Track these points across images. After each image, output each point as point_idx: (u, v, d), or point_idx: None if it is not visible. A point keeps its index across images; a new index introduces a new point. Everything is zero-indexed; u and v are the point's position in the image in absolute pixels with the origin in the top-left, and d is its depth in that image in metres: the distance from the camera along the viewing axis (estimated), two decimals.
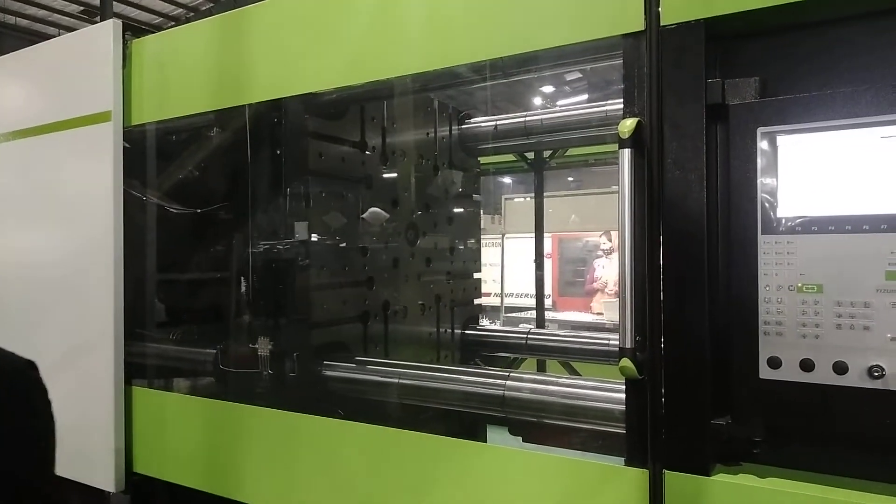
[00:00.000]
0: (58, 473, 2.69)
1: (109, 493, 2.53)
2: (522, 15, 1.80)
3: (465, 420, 2.40)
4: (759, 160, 1.45)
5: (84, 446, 2.60)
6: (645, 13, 1.58)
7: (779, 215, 1.42)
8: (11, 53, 3.14)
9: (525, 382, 2.13)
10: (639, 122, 1.58)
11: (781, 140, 1.43)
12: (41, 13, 11.82)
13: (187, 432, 2.47)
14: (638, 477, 1.54)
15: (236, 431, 2.35)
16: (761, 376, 1.42)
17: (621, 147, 1.56)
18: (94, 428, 2.56)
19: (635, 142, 1.56)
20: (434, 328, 3.19)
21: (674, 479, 1.49)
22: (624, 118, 1.60)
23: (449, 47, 1.94)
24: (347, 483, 2.07)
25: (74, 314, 2.67)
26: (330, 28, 2.18)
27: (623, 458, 1.60)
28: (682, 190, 1.53)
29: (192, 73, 2.53)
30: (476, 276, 3.60)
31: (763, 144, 1.45)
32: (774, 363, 1.41)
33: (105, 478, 2.52)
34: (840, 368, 1.34)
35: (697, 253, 1.52)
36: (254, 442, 2.30)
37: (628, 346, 1.52)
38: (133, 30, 2.74)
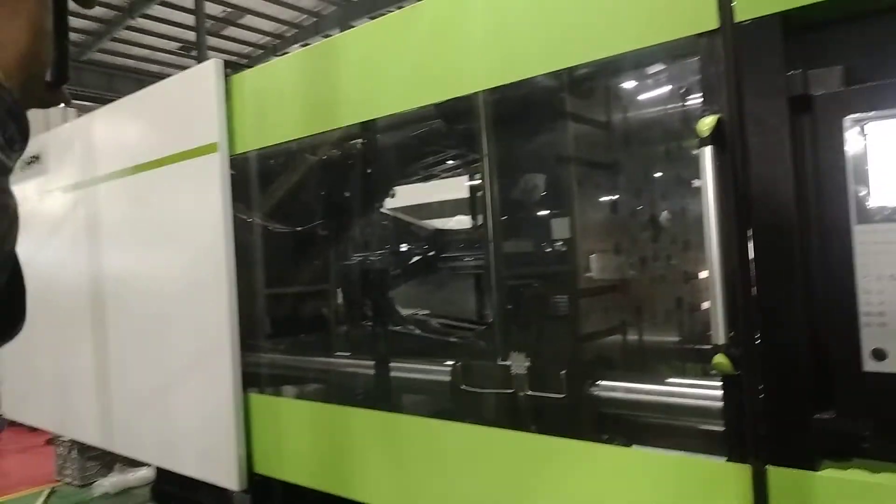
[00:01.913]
0: (188, 474, 2.99)
1: (233, 491, 2.77)
2: (594, 22, 1.85)
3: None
4: (848, 149, 1.43)
5: (210, 448, 2.86)
6: (719, 11, 1.59)
7: (873, 204, 1.40)
8: (128, 97, 3.50)
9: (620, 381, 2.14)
10: (719, 119, 1.59)
11: (871, 127, 1.40)
12: (144, 52, 12.80)
13: (302, 434, 2.65)
14: (740, 473, 1.54)
15: (348, 433, 2.49)
16: (865, 369, 1.39)
17: (702, 145, 1.58)
18: (218, 431, 2.80)
19: (716, 139, 1.57)
20: (679, 337, 2.51)
21: (778, 475, 1.48)
22: (703, 116, 1.61)
23: (521, 59, 2.01)
24: (457, 483, 2.16)
25: (195, 328, 2.94)
26: (411, 51, 2.31)
27: (724, 456, 1.60)
28: (769, 183, 1.53)
29: (289, 102, 2.73)
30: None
31: (852, 133, 1.42)
32: (879, 355, 1.38)
33: (229, 477, 2.76)
34: None
35: (789, 246, 1.51)
36: (365, 442, 2.43)
37: (721, 341, 1.53)
38: (231, 65, 2.99)
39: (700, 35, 1.64)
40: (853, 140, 1.42)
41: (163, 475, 3.72)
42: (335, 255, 3.32)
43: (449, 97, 2.22)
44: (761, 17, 1.53)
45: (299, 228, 3.35)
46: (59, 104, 0.70)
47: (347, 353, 2.95)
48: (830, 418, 1.45)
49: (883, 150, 1.39)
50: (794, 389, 1.48)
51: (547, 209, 2.33)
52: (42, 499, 5.18)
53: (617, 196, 2.50)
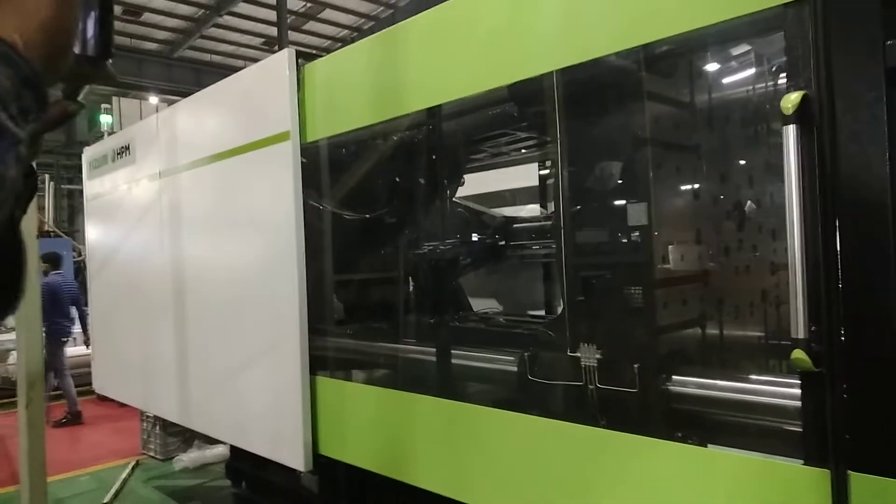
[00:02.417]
0: (258, 453, 3.09)
1: (300, 472, 2.84)
2: None
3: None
4: None
5: (278, 429, 2.95)
6: None
7: None
8: (204, 89, 3.64)
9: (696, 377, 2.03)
10: (805, 96, 1.46)
11: None
12: (230, 48, 13.39)
13: (366, 419, 2.69)
14: (818, 478, 1.43)
15: (410, 419, 2.50)
16: None
17: (785, 124, 1.46)
18: (286, 413, 2.89)
19: (801, 117, 1.45)
20: (762, 332, 2.35)
21: (862, 482, 1.36)
22: (788, 93, 1.50)
23: (594, 36, 1.93)
24: (516, 475, 2.13)
25: (267, 313, 3.04)
26: (479, 33, 2.27)
27: (801, 459, 1.49)
28: (861, 165, 1.40)
29: (358, 89, 2.75)
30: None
31: None
32: None
33: (295, 458, 2.84)
34: None
35: (882, 233, 1.38)
36: (427, 430, 2.43)
37: (801, 336, 1.42)
38: (305, 56, 3.05)
39: (787, 5, 1.51)
40: None
41: (236, 453, 3.88)
42: (404, 243, 3.34)
43: (519, 78, 2.17)
44: None
45: (368, 216, 3.39)
46: (103, 81, 0.71)
47: (413, 341, 2.96)
48: None
49: None
50: (881, 390, 1.36)
51: (622, 196, 2.24)
52: (128, 470, 5.54)
53: (698, 183, 2.37)
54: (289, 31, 11.24)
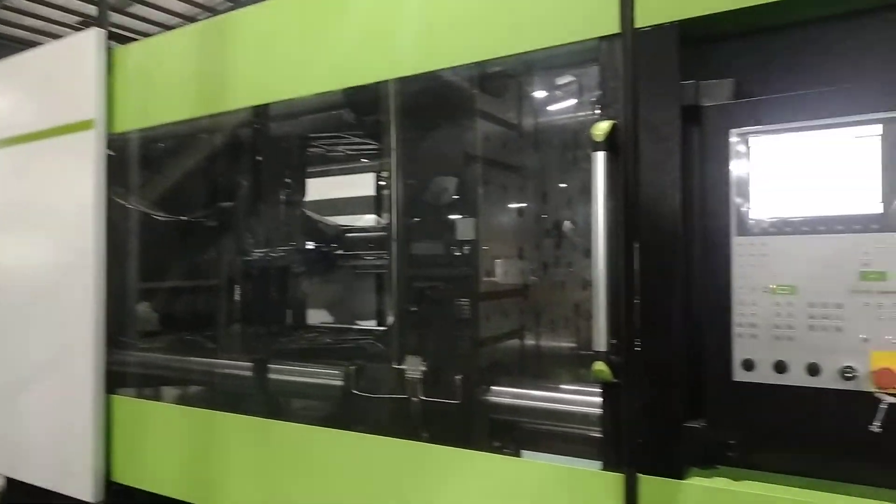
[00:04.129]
0: (39, 484, 2.69)
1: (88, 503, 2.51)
2: (502, 18, 1.81)
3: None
4: (732, 162, 1.44)
5: (64, 456, 2.59)
6: (620, 16, 1.58)
7: (752, 217, 1.42)
8: (1, 61, 3.15)
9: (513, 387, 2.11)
10: (614, 125, 1.57)
11: (754, 141, 1.42)
12: (38, 24, 11.87)
13: (169, 440, 2.45)
14: (614, 481, 1.52)
15: (220, 440, 2.32)
16: (735, 379, 1.41)
17: (595, 150, 1.56)
18: (74, 437, 2.54)
19: (609, 145, 1.56)
20: (575, 343, 2.46)
21: (648, 483, 1.47)
22: (599, 121, 1.60)
23: (430, 49, 1.94)
24: (328, 490, 2.05)
25: (56, 322, 2.67)
26: (314, 33, 2.19)
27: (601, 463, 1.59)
28: (657, 192, 1.53)
29: (179, 80, 2.53)
30: None
31: (736, 146, 1.44)
32: (748, 365, 1.40)
33: (83, 488, 2.50)
34: (813, 370, 1.33)
35: (672, 255, 1.51)
36: (234, 450, 2.27)
37: (602, 349, 1.51)
38: (118, 38, 2.75)
39: (601, 38, 1.62)
40: (737, 152, 1.44)
41: (13, 486, 3.36)
42: (228, 249, 3.12)
43: (354, 84, 2.11)
44: (660, 25, 1.53)
45: (188, 218, 3.12)
46: None
47: (233, 355, 2.76)
48: (700, 427, 1.46)
49: (764, 164, 1.41)
50: (668, 398, 1.48)
51: (452, 210, 2.28)
52: None
53: (523, 201, 2.49)
54: (110, 12, 10.22)
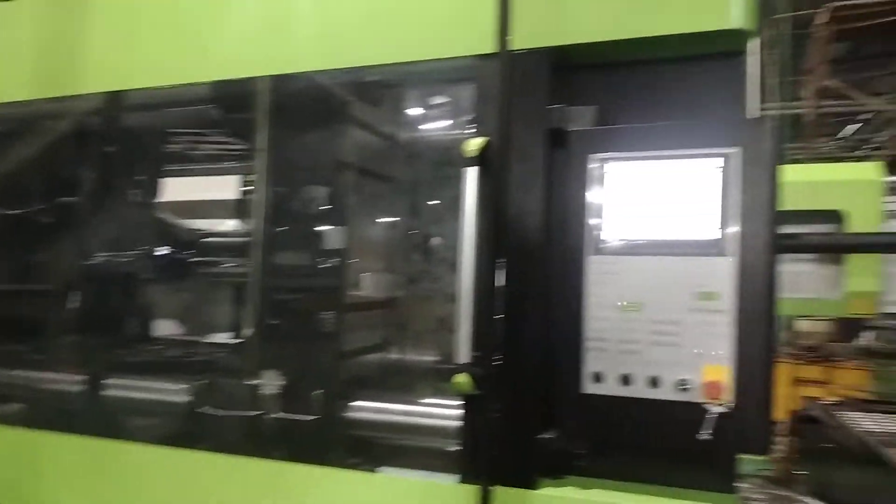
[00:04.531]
0: None
1: None
2: (381, 26, 1.80)
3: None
4: (590, 184, 1.53)
5: None
6: (497, 37, 1.63)
7: (606, 237, 1.51)
8: None
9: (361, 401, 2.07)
10: (487, 142, 1.61)
11: (609, 167, 1.52)
12: None
13: None
14: (469, 493, 1.53)
15: (41, 463, 2.06)
16: (585, 391, 1.48)
17: (466, 165, 1.59)
18: None
19: (481, 161, 1.59)
20: (439, 356, 2.44)
21: (501, 495, 1.49)
22: (473, 138, 1.63)
23: (307, 53, 1.89)
24: None
25: None
26: (184, 18, 2.05)
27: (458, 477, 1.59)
28: (523, 210, 1.58)
29: (12, 55, 2.26)
30: None
31: (595, 170, 1.53)
32: (597, 378, 1.47)
33: None
34: (654, 382, 1.42)
35: (533, 271, 1.56)
36: (63, 474, 2.03)
37: (465, 361, 1.52)
38: None
39: (478, 57, 1.66)
40: (595, 176, 1.53)
41: None
42: (66, 250, 2.81)
43: (220, 78, 2.00)
44: (533, 49, 1.59)
45: (19, 212, 2.79)
46: None
47: (64, 368, 2.47)
48: (551, 438, 1.51)
49: (617, 189, 1.51)
50: (524, 411, 1.52)
51: (320, 219, 2.22)
52: None
53: (394, 213, 2.49)
54: None
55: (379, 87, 2.21)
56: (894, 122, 9.77)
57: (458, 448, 1.62)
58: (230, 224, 3.65)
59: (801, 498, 2.63)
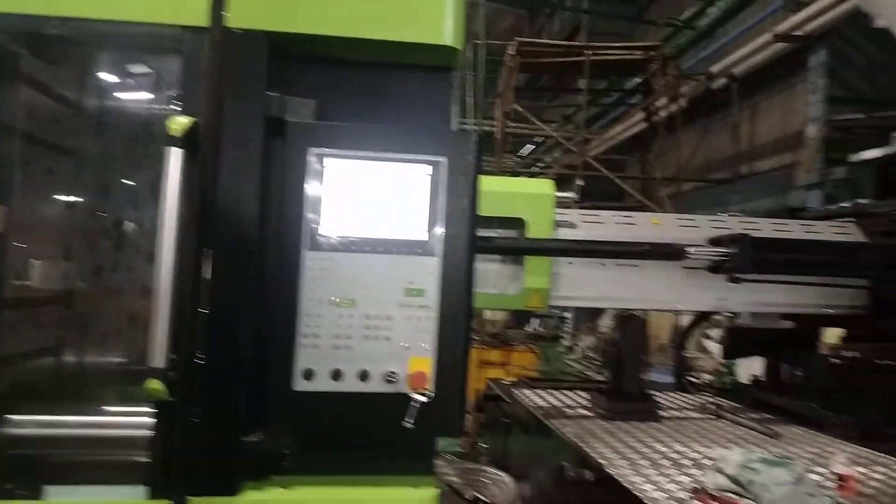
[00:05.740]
0: None
1: None
2: None
3: None
4: (308, 179, 1.50)
5: None
6: (211, 11, 1.50)
7: (322, 233, 1.49)
8: None
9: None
10: (195, 123, 1.47)
11: (328, 162, 1.51)
12: None
13: None
14: None
15: None
16: (296, 388, 1.45)
17: (170, 145, 1.43)
18: None
19: (188, 142, 1.45)
20: (129, 359, 2.15)
21: None
22: (178, 116, 1.47)
23: None
24: None
25: None
26: None
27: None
28: (235, 199, 1.49)
29: None
30: None
31: (313, 164, 1.50)
32: (308, 375, 1.45)
33: None
34: (364, 376, 1.46)
35: (246, 264, 1.48)
36: None
37: (160, 365, 1.37)
38: None
39: (188, 28, 1.51)
40: (314, 171, 1.50)
41: None
42: None
43: None
44: (252, 31, 1.51)
45: None
46: None
47: None
48: (256, 439, 1.45)
49: (335, 185, 1.51)
50: (228, 414, 1.44)
51: None
52: None
53: (76, 193, 2.13)
54: None
55: (60, 43, 1.87)
56: (559, 146, 11.73)
57: (149, 460, 1.45)
58: None
59: (484, 468, 2.98)
